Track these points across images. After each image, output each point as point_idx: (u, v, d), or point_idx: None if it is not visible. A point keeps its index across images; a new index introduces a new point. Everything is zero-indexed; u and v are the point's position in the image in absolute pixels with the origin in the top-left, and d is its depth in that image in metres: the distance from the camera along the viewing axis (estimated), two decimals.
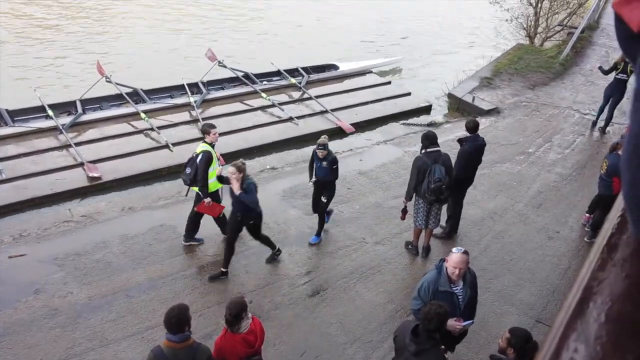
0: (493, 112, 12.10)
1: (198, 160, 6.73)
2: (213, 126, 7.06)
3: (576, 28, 16.16)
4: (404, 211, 7.06)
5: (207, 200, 6.84)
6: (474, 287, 4.84)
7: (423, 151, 6.85)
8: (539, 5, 16.78)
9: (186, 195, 7.36)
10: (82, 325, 5.96)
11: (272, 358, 5.52)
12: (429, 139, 6.81)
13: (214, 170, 6.80)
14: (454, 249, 4.76)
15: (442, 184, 6.65)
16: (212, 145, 6.91)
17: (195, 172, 6.73)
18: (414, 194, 6.90)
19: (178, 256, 7.09)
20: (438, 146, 6.85)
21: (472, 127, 7.38)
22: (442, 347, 4.28)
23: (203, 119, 10.54)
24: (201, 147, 6.89)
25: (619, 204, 0.73)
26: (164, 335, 4.09)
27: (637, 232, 0.66)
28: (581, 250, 7.81)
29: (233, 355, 4.29)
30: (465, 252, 4.68)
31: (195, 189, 6.89)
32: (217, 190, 7.09)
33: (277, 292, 6.62)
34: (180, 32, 16.30)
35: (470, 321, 4.80)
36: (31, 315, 6.04)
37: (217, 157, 7.05)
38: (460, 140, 7.52)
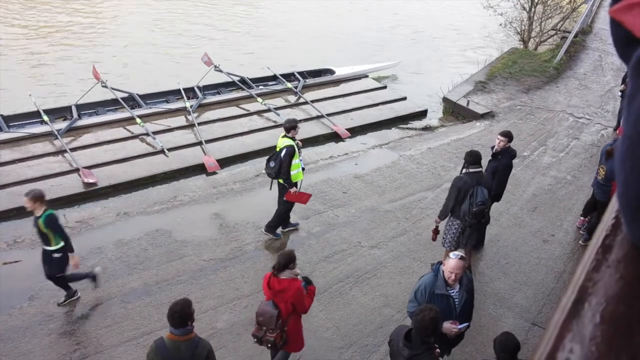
0: (488, 115, 12.15)
1: (282, 154, 7.07)
2: (296, 125, 7.32)
3: (569, 32, 16.26)
4: (436, 231, 6.71)
5: (293, 189, 7.25)
6: (470, 291, 4.87)
7: (465, 170, 6.42)
8: (533, 9, 16.90)
9: (270, 189, 7.59)
10: (77, 332, 5.93)
11: None
12: (474, 157, 6.35)
13: (298, 162, 7.22)
14: (451, 254, 4.80)
15: (485, 207, 6.31)
16: (293, 139, 7.17)
17: (279, 166, 7.09)
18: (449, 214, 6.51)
19: (173, 261, 7.07)
20: (481, 166, 6.44)
21: (512, 136, 7.02)
22: (438, 350, 4.29)
23: (199, 124, 10.55)
24: (284, 142, 7.16)
25: (613, 206, 0.74)
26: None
27: (631, 233, 0.66)
28: (576, 253, 7.84)
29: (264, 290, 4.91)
30: (462, 258, 4.74)
31: (281, 180, 7.26)
32: (296, 182, 7.41)
33: None
34: (176, 37, 16.30)
35: (467, 324, 4.82)
36: (26, 322, 6.01)
37: (299, 151, 7.32)
38: (497, 154, 7.05)
